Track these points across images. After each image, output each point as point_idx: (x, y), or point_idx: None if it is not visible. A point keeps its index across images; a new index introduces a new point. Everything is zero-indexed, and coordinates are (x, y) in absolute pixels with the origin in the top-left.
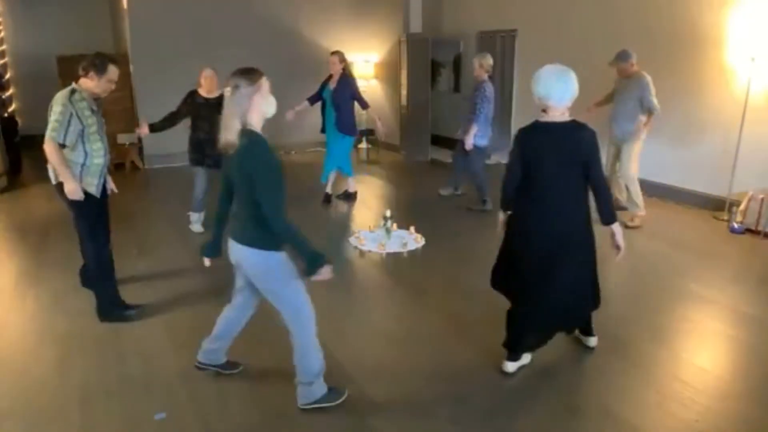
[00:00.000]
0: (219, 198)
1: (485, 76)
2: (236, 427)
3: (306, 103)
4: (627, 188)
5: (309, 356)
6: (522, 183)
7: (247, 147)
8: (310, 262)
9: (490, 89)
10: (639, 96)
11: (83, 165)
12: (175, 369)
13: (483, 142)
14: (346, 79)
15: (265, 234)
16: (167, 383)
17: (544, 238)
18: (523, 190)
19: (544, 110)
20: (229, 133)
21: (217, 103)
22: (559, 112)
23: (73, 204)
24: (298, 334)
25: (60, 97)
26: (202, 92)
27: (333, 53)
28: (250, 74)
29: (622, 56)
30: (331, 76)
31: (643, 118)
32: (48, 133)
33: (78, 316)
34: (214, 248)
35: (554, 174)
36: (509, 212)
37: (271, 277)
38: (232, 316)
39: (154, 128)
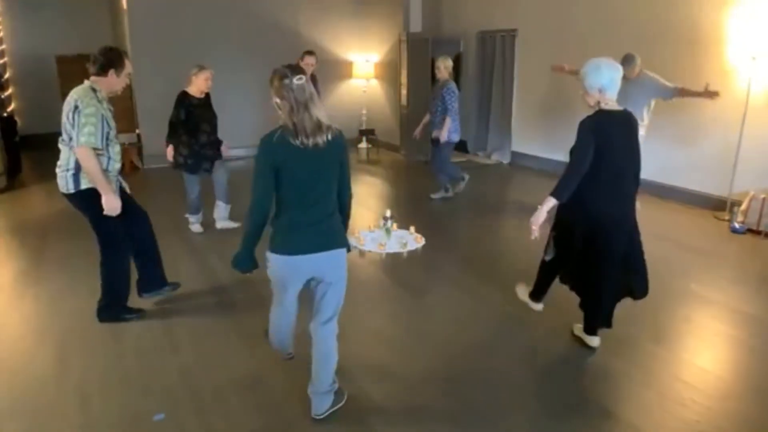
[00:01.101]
0: (266, 202)
1: (447, 76)
2: (236, 427)
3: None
4: None
5: (335, 360)
6: (590, 170)
7: (339, 136)
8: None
9: (455, 87)
10: (653, 94)
11: (105, 170)
12: (175, 369)
13: (456, 137)
14: (315, 79)
15: (343, 228)
16: (167, 383)
17: (619, 219)
18: (592, 176)
19: (598, 101)
20: (325, 119)
21: (207, 103)
22: (613, 101)
23: (94, 212)
24: (333, 337)
25: (88, 98)
26: (194, 92)
27: (311, 53)
28: (301, 70)
29: (631, 60)
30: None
31: (648, 118)
32: (84, 138)
33: (78, 315)
34: (253, 260)
35: (623, 159)
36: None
37: (345, 273)
38: (291, 321)
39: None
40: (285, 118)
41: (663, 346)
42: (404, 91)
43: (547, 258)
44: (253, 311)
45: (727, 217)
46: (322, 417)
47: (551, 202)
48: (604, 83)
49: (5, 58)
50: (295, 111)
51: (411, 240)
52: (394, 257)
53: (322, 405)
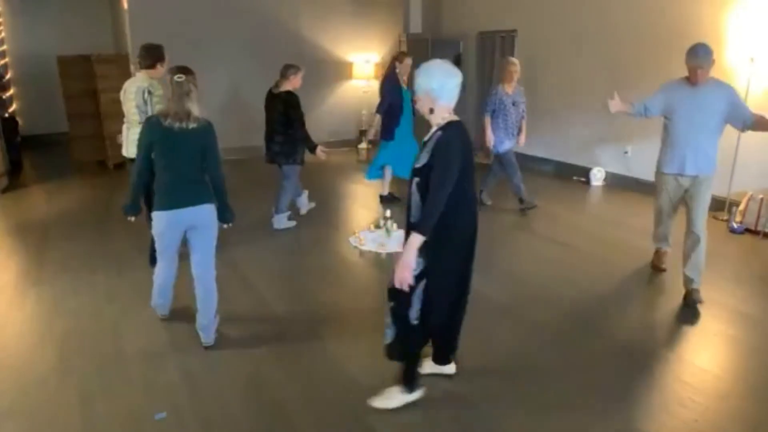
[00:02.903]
0: (144, 168)
1: None
2: (236, 427)
3: (379, 117)
4: (692, 249)
5: (215, 298)
6: (459, 191)
7: (208, 125)
8: (230, 211)
9: None
10: (728, 107)
11: None
12: (176, 368)
13: None
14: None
15: (210, 190)
16: (167, 383)
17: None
18: (463, 196)
19: (431, 109)
20: (195, 111)
21: None
22: (451, 111)
23: None
24: (210, 278)
25: (155, 83)
26: (294, 91)
27: (408, 54)
28: (187, 71)
29: (703, 53)
30: (394, 76)
31: (716, 143)
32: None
33: (78, 315)
34: (138, 207)
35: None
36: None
37: (215, 224)
38: (172, 274)
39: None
40: (165, 103)
41: (662, 345)
42: None
43: (387, 341)
44: (254, 311)
45: (725, 217)
46: (211, 345)
47: (420, 240)
48: (434, 86)
49: (6, 59)
50: (173, 99)
51: None
52: (394, 257)
53: (208, 335)
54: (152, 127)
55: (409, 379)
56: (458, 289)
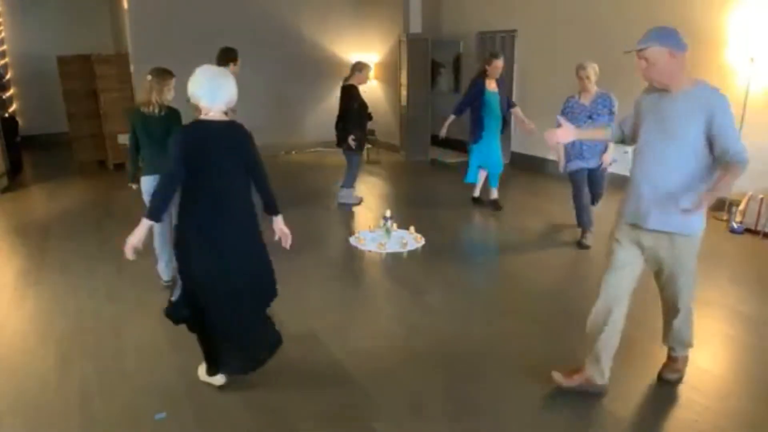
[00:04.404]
0: (133, 146)
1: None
2: (236, 426)
3: (453, 117)
4: (673, 317)
5: None
6: (189, 187)
7: (173, 112)
8: None
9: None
10: (706, 127)
11: None
12: (175, 368)
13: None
14: (500, 82)
15: None
16: (167, 383)
17: (230, 244)
18: (191, 196)
19: (198, 112)
20: (155, 101)
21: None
22: (213, 110)
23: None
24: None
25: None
26: (359, 85)
27: (499, 56)
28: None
29: (656, 34)
30: (484, 78)
31: (703, 184)
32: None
33: (78, 315)
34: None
35: (223, 176)
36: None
37: None
38: (165, 237)
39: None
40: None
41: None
42: (404, 92)
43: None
44: None
45: (725, 217)
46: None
47: (146, 224)
48: (194, 90)
49: (6, 59)
50: (148, 92)
51: (411, 240)
52: (394, 257)
53: (168, 274)
54: (135, 114)
55: (207, 359)
56: (210, 294)
